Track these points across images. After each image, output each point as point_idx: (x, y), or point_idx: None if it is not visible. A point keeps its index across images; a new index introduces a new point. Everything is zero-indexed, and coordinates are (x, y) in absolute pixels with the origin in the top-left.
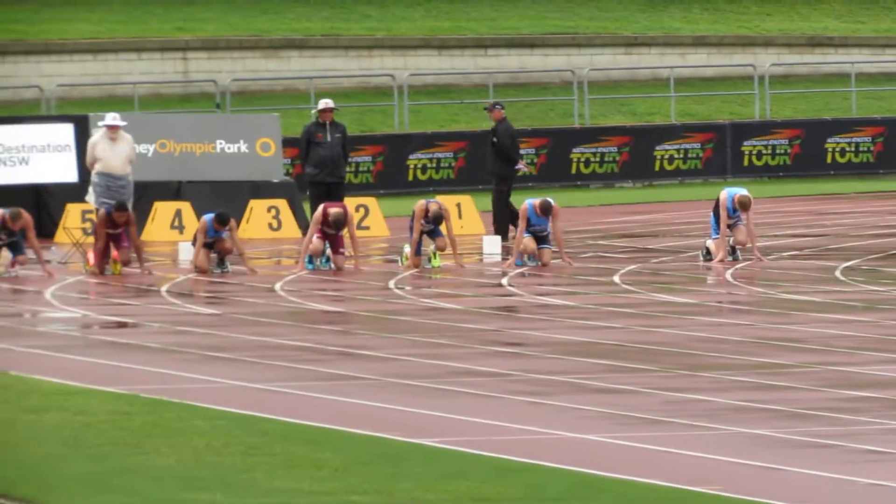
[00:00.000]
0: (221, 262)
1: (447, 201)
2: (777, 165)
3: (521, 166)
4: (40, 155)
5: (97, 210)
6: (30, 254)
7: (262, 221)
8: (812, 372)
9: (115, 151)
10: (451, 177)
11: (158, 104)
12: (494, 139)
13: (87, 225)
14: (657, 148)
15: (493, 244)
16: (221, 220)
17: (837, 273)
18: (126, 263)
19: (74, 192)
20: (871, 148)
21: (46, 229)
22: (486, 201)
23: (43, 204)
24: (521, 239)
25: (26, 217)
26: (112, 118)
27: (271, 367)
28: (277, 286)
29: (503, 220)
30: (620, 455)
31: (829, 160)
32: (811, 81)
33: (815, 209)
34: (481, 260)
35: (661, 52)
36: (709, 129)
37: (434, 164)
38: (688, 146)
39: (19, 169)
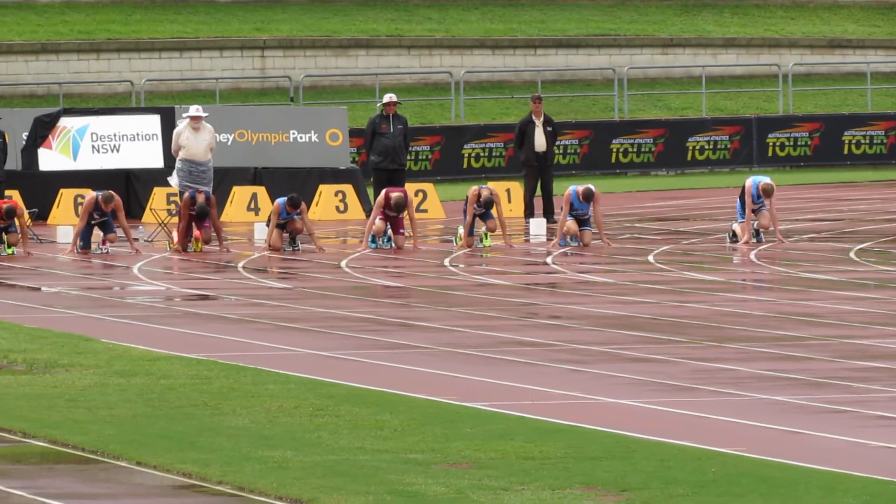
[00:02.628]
0: (293, 241)
1: (498, 187)
2: (798, 156)
3: None
4: (130, 143)
5: (181, 193)
6: (119, 232)
7: (330, 204)
8: (828, 344)
9: (198, 140)
10: (501, 165)
11: (238, 97)
12: (549, 128)
13: (172, 206)
14: (689, 140)
15: (539, 226)
16: (293, 203)
17: (852, 254)
18: (207, 242)
19: (161, 177)
20: (885, 140)
21: (135, 210)
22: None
23: (132, 187)
24: (565, 222)
25: (117, 199)
26: (195, 110)
27: (337, 337)
28: (343, 263)
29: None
30: (653, 418)
31: (845, 151)
32: (830, 80)
33: (832, 196)
34: (528, 240)
35: (694, 52)
36: (736, 122)
37: (486, 153)
38: (717, 138)
39: (111, 155)
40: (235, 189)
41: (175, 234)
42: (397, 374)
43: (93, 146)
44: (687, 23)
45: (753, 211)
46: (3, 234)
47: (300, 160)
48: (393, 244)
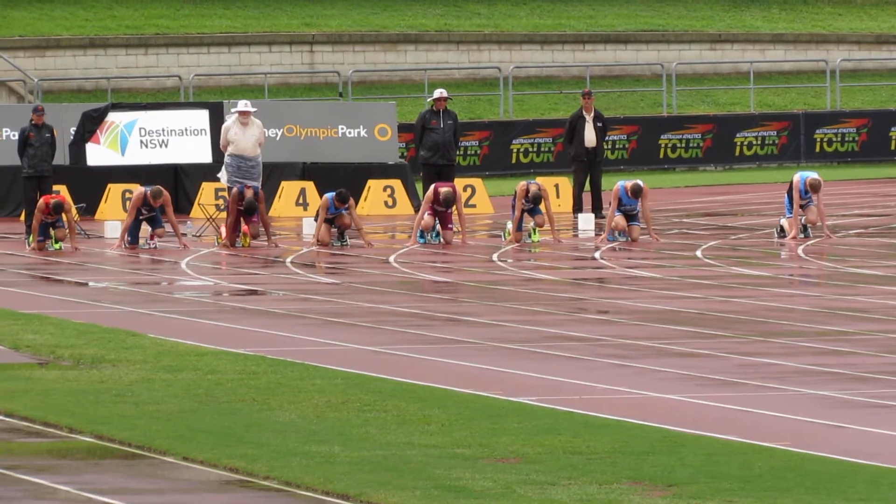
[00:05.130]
0: (341, 237)
1: (546, 182)
2: (846, 151)
3: None
4: (179, 138)
5: (229, 188)
6: (168, 227)
7: (379, 200)
8: (873, 339)
9: (247, 135)
10: (550, 160)
11: (286, 92)
12: (599, 124)
13: (220, 202)
14: (737, 135)
15: (587, 221)
16: (341, 198)
17: None
18: (255, 237)
19: (209, 172)
20: None
21: (183, 205)
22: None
23: (180, 182)
24: (613, 217)
25: (165, 194)
26: (244, 105)
27: (385, 332)
28: (391, 258)
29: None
30: (699, 413)
31: (893, 147)
32: (878, 75)
33: (880, 191)
34: (576, 236)
35: (742, 48)
36: (784, 118)
37: (535, 149)
38: (765, 134)
39: (160, 150)
40: (284, 184)
41: (223, 230)
42: (445, 369)
43: (141, 141)
44: (735, 18)
45: (801, 206)
46: (51, 229)
47: (349, 155)
48: (441, 239)
